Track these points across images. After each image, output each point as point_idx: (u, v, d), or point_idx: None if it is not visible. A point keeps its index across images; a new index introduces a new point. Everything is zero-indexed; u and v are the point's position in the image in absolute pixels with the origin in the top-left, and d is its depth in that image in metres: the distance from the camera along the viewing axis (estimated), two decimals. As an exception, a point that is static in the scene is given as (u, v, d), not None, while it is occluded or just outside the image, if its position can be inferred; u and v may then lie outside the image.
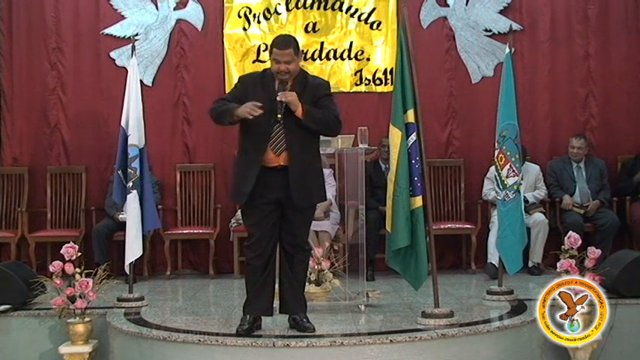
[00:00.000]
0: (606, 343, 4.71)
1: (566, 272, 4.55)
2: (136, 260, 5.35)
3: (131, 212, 5.26)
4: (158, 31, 7.25)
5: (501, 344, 4.42)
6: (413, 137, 4.44)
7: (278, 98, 4.11)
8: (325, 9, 7.29)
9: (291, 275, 4.33)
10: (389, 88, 7.01)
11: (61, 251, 4.71)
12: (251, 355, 4.09)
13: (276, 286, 4.38)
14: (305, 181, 4.20)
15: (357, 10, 7.29)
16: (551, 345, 4.45)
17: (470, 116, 7.27)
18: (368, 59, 7.29)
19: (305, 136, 4.22)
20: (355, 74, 7.28)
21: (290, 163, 4.17)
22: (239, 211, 6.51)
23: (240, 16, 7.26)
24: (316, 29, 7.28)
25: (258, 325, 4.32)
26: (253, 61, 7.21)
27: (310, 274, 4.89)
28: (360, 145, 4.98)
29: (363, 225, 5.11)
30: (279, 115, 4.11)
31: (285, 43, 4.23)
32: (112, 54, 7.20)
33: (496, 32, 7.23)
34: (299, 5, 7.27)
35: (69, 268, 4.63)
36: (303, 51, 7.03)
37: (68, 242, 4.78)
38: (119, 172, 5.33)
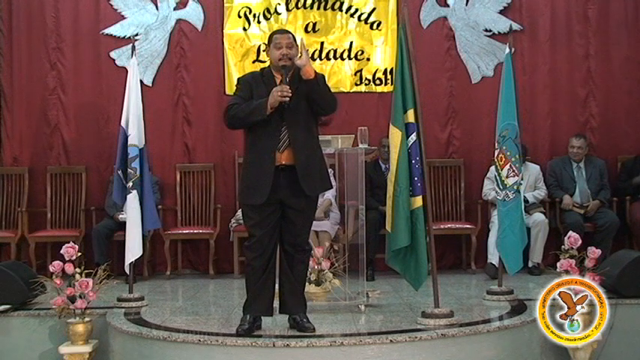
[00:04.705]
0: (606, 343, 4.71)
1: (566, 272, 4.54)
2: (136, 260, 5.35)
3: (131, 212, 5.27)
4: (158, 31, 7.25)
5: (501, 344, 4.41)
6: (413, 137, 4.44)
7: (296, 62, 4.14)
8: (325, 9, 7.29)
9: (291, 275, 4.33)
10: (389, 88, 7.01)
11: (61, 251, 4.70)
12: (251, 355, 4.08)
13: (276, 286, 4.38)
14: (311, 171, 4.20)
15: (357, 10, 7.28)
16: (551, 345, 4.45)
17: (470, 116, 7.27)
18: (368, 59, 7.29)
19: (307, 132, 4.24)
20: (355, 74, 7.28)
21: (296, 158, 4.17)
22: (239, 211, 6.51)
23: (240, 16, 7.26)
24: (316, 29, 7.28)
25: (258, 325, 4.32)
26: (253, 61, 7.20)
27: (310, 274, 4.88)
28: (360, 145, 4.98)
29: (363, 225, 5.12)
30: (287, 100, 4.09)
31: (283, 30, 4.50)
32: (112, 54, 7.20)
33: (496, 32, 7.23)
34: (299, 5, 7.27)
35: (69, 268, 4.62)
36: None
37: (68, 242, 4.76)
38: (119, 172, 5.33)
